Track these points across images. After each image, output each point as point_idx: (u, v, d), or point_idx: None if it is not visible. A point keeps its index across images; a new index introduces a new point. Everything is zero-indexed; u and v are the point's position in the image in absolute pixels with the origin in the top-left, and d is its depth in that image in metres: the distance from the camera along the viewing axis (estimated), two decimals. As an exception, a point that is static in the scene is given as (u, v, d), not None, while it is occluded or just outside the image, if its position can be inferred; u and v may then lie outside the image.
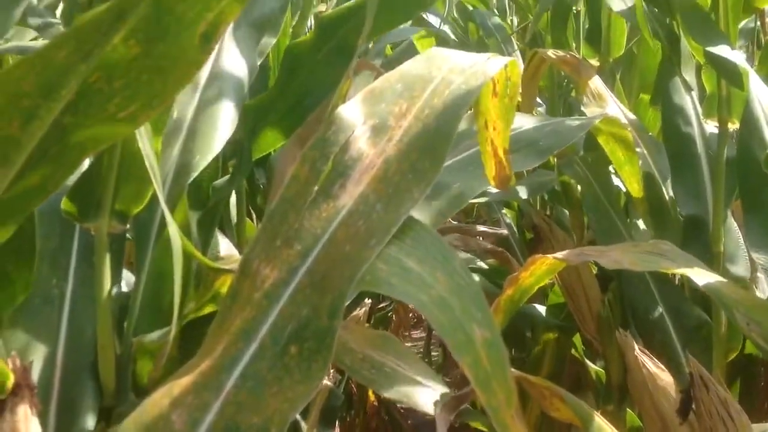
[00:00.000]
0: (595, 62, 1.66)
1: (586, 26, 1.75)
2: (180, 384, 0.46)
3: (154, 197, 0.75)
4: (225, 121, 0.84)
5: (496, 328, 0.46)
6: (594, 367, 1.55)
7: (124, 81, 0.46)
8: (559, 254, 0.81)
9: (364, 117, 0.58)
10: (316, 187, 0.54)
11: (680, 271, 0.73)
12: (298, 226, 0.52)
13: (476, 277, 1.73)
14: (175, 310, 0.56)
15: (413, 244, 0.51)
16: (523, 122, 0.98)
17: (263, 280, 0.50)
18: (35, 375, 0.70)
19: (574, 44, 1.76)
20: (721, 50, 1.16)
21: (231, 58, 0.91)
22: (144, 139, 0.63)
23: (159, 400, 0.46)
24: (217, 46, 0.92)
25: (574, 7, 1.75)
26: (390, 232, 0.51)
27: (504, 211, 1.97)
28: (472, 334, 0.45)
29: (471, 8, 2.22)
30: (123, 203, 0.74)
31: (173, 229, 0.55)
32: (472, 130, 0.80)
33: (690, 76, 1.33)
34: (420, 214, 0.76)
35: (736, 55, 1.16)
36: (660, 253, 0.76)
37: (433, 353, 2.44)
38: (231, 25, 0.94)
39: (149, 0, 0.44)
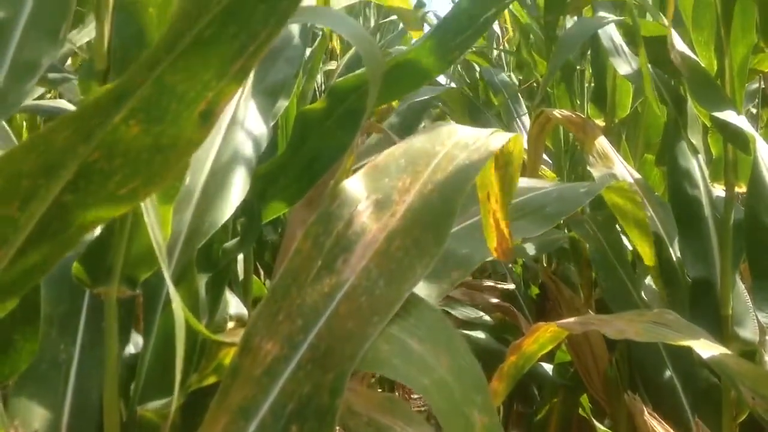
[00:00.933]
0: (600, 122, 1.68)
1: (592, 85, 1.77)
2: (181, 461, 0.47)
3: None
4: (237, 187, 0.86)
5: (496, 414, 0.46)
6: (602, 428, 1.53)
7: (123, 159, 0.47)
8: (564, 322, 0.81)
9: (368, 192, 0.59)
10: (319, 262, 0.55)
11: (685, 342, 0.73)
12: (301, 300, 0.53)
13: (482, 334, 1.73)
14: (176, 384, 0.56)
15: (416, 323, 0.52)
16: (530, 187, 0.99)
17: (264, 355, 0.51)
18: (39, 440, 0.70)
19: (578, 103, 1.79)
20: (727, 115, 1.16)
21: (245, 123, 0.93)
22: (149, 210, 0.64)
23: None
24: (231, 112, 0.94)
25: (578, 66, 1.78)
26: (393, 309, 0.52)
27: (510, 265, 1.97)
28: (472, 419, 0.45)
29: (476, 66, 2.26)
30: (133, 268, 0.75)
31: (177, 305, 0.55)
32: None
33: (696, 139, 1.34)
34: (425, 281, 0.76)
35: (743, 121, 1.17)
36: (665, 324, 0.76)
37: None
38: (247, 92, 0.97)
39: (151, 81, 0.45)
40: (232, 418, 0.47)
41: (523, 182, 0.98)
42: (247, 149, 0.89)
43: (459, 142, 0.63)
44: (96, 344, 0.77)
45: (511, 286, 1.90)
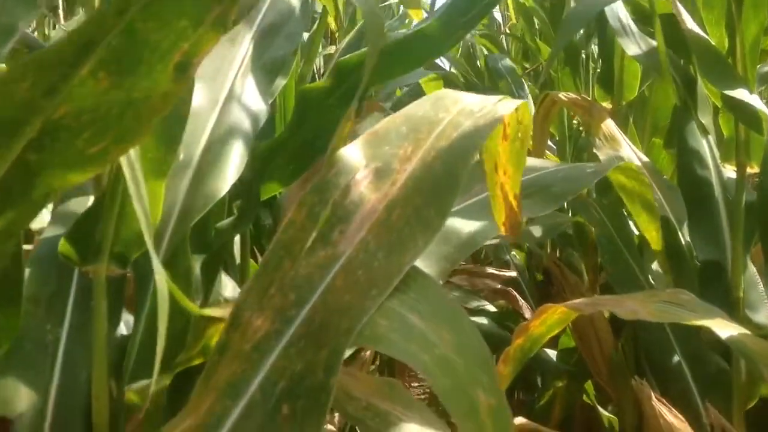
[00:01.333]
0: (607, 105, 1.65)
1: (598, 69, 1.74)
2: (165, 443, 0.44)
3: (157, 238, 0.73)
4: (234, 161, 0.83)
5: (503, 395, 0.43)
6: (607, 415, 1.51)
7: (92, 115, 0.43)
8: (572, 303, 0.78)
9: (367, 160, 0.55)
10: (314, 233, 0.51)
11: (702, 323, 0.70)
12: (294, 273, 0.50)
13: (484, 320, 1.70)
14: (156, 363, 0.53)
15: (417, 298, 0.48)
16: (536, 167, 0.96)
17: (255, 331, 0.47)
18: (24, 423, 0.67)
19: (582, 87, 1.75)
20: (739, 94, 1.13)
21: (242, 99, 0.90)
22: (139, 185, 0.60)
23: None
24: (228, 86, 0.91)
25: (583, 50, 1.74)
26: (392, 282, 0.48)
27: (513, 252, 1.94)
28: (477, 400, 0.42)
29: (485, 51, 2.22)
30: (123, 246, 0.72)
31: (160, 278, 0.52)
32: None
33: (707, 120, 1.31)
34: (427, 259, 0.73)
35: (755, 99, 1.14)
36: (679, 304, 0.73)
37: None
38: (245, 67, 0.94)
39: (120, 29, 0.41)
40: (218, 396, 0.44)
41: (529, 162, 0.94)
42: (245, 124, 0.86)
43: (464, 109, 0.60)
44: (85, 325, 0.74)
45: (513, 273, 1.88)
